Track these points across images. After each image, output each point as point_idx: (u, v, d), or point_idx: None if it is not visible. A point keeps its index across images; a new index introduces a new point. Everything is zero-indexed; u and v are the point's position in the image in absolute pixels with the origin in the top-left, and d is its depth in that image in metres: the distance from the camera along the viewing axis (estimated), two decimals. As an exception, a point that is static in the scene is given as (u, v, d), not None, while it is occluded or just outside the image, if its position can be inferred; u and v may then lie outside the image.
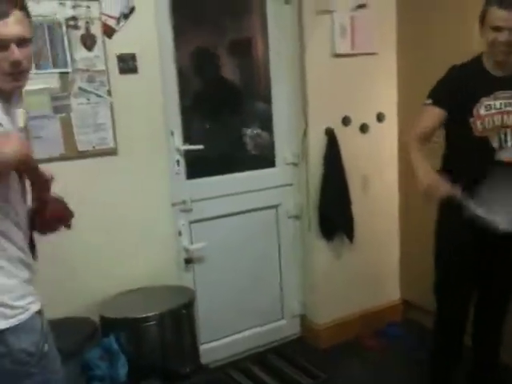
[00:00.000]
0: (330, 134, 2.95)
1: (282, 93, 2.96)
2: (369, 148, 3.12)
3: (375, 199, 3.20)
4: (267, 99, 2.98)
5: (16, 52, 1.33)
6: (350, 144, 3.01)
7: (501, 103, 2.07)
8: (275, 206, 3.05)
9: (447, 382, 2.40)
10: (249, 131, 3.09)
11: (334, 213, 2.99)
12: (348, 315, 3.19)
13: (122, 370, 2.14)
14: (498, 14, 1.92)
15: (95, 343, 2.18)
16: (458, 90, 2.11)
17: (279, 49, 2.91)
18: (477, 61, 2.13)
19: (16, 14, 1.33)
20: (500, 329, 2.39)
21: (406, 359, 2.93)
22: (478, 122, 2.07)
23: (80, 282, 2.35)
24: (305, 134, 2.96)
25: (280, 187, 3.04)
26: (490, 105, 2.07)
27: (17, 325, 1.36)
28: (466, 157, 2.15)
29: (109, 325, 2.25)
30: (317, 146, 2.96)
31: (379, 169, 3.19)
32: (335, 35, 2.87)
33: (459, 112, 2.09)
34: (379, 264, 3.29)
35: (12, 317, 1.35)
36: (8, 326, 1.34)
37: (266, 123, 3.01)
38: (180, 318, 2.33)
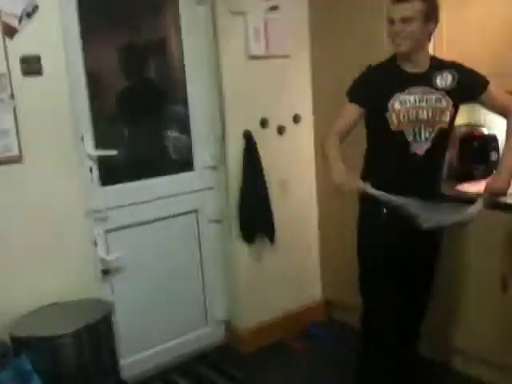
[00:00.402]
0: (248, 137, 2.94)
1: (199, 95, 2.91)
2: (286, 150, 3.14)
3: (294, 200, 3.22)
4: (184, 101, 2.92)
5: None
6: (268, 146, 3.02)
7: (415, 98, 2.15)
8: (195, 211, 2.99)
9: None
10: (166, 134, 3.02)
11: (255, 215, 2.98)
12: (272, 318, 3.19)
13: (36, 391, 2.00)
14: (391, 8, 2.11)
15: (6, 365, 2.01)
16: (374, 87, 2.19)
17: (194, 50, 2.86)
18: (392, 60, 2.22)
19: None
20: (420, 324, 2.45)
21: (330, 359, 2.96)
22: (394, 116, 2.15)
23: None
24: (223, 136, 2.93)
25: (199, 191, 2.99)
26: (404, 100, 2.15)
27: None
28: (383, 150, 2.25)
29: (20, 344, 2.09)
30: (235, 148, 2.94)
31: (297, 170, 3.23)
32: (249, 37, 2.86)
33: (376, 107, 2.17)
34: (300, 265, 3.32)
35: None
36: None
37: (184, 126, 2.95)
38: (98, 333, 2.21)
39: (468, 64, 2.23)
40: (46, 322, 2.23)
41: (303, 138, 3.23)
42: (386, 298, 2.27)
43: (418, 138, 2.17)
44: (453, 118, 2.20)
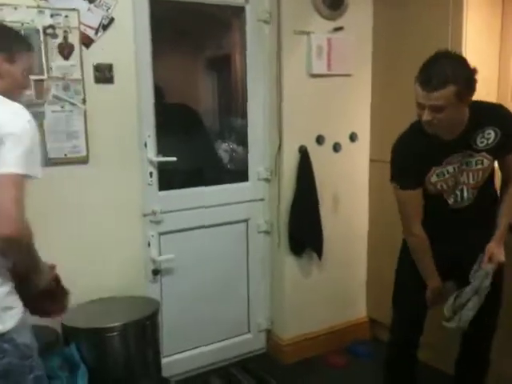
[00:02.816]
0: (304, 152, 2.99)
1: (258, 109, 3.00)
2: (341, 167, 3.17)
3: (345, 218, 3.24)
4: (244, 115, 3.02)
5: None
6: (322, 162, 3.05)
7: (454, 167, 2.04)
8: (246, 221, 3.07)
9: None
10: (224, 145, 3.12)
11: (304, 230, 3.02)
12: (314, 332, 3.21)
13: (82, 380, 2.13)
14: (420, 92, 1.89)
15: (56, 352, 2.16)
16: (413, 167, 2.06)
17: (257, 66, 2.95)
18: (421, 128, 2.00)
19: None
20: (487, 354, 2.32)
21: (370, 377, 2.95)
22: (431, 187, 2.08)
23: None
24: (279, 150, 2.99)
25: (251, 202, 3.06)
26: (441, 172, 2.05)
27: (18, 323, 1.50)
28: (429, 206, 2.16)
29: (70, 334, 2.24)
30: (290, 163, 2.99)
31: (350, 188, 3.24)
32: (312, 56, 2.92)
33: (417, 182, 2.09)
34: (347, 281, 3.32)
35: (15, 316, 1.50)
36: (13, 324, 1.48)
37: (242, 138, 3.04)
38: (143, 330, 2.33)
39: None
40: (96, 314, 2.36)
41: (359, 156, 3.24)
42: (413, 308, 2.26)
43: (459, 200, 2.10)
44: (493, 168, 2.09)
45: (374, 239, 3.34)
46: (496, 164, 2.13)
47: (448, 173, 2.05)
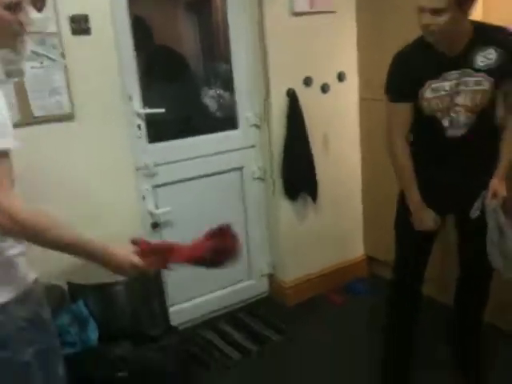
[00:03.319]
0: (292, 95, 2.94)
1: (242, 53, 2.93)
2: (330, 108, 3.13)
3: (337, 159, 3.23)
4: (227, 59, 2.95)
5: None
6: (311, 105, 3.01)
7: (450, 85, 1.99)
8: (239, 169, 3.05)
9: (403, 329, 2.41)
10: (211, 92, 3.06)
11: (298, 174, 3.02)
12: (314, 273, 3.26)
13: (93, 334, 2.16)
14: None
15: (64, 309, 2.17)
16: (408, 77, 2.04)
17: (237, 7, 2.86)
18: (424, 42, 1.99)
19: None
20: (487, 287, 2.34)
21: (370, 312, 3.02)
22: (425, 104, 2.04)
23: (44, 249, 2.32)
24: (266, 95, 2.94)
25: (243, 149, 3.04)
26: (437, 87, 2.00)
27: (18, 295, 1.40)
28: (422, 131, 2.15)
29: (77, 291, 2.25)
30: (279, 107, 2.95)
31: (341, 129, 3.22)
32: (293, -8, 2.84)
33: (410, 96, 2.06)
34: (343, 221, 3.35)
35: (14, 288, 1.40)
36: (11, 296, 1.38)
37: (228, 84, 2.99)
38: (148, 282, 2.34)
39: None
40: (100, 270, 2.36)
41: (348, 96, 3.20)
42: (415, 243, 2.25)
43: (455, 124, 2.04)
44: (494, 97, 2.03)
45: (367, 178, 3.35)
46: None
47: (444, 89, 2.01)
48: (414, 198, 2.15)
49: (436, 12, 1.84)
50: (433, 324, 2.72)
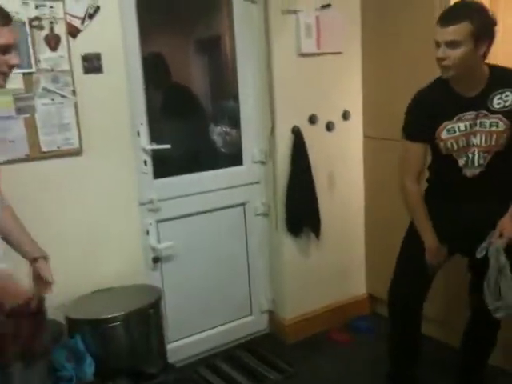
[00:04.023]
0: (297, 133, 2.98)
1: (249, 91, 2.98)
2: (335, 146, 3.17)
3: (341, 196, 3.25)
4: (235, 97, 3.00)
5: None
6: (316, 142, 3.05)
7: (465, 125, 2.04)
8: (243, 204, 3.07)
9: (404, 366, 2.43)
10: (217, 129, 3.11)
11: (301, 210, 3.04)
12: (315, 310, 3.25)
13: (89, 370, 2.15)
14: (437, 30, 1.95)
15: (61, 344, 2.17)
16: (426, 117, 2.09)
17: (246, 48, 2.92)
18: (442, 81, 2.05)
19: None
20: (496, 328, 2.34)
21: (372, 351, 3.00)
22: (442, 144, 2.09)
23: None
24: (272, 132, 2.98)
25: (247, 185, 3.07)
26: (453, 128, 2.05)
27: None
28: (439, 168, 2.21)
29: (74, 325, 2.25)
30: (284, 144, 2.99)
31: (345, 166, 3.25)
32: (301, 35, 2.89)
33: (427, 135, 2.11)
34: (346, 259, 3.35)
35: None
36: None
37: (235, 121, 3.03)
38: (147, 318, 2.34)
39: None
40: (99, 305, 2.37)
41: (352, 134, 3.24)
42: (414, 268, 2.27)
43: (470, 164, 2.08)
44: (510, 139, 2.05)
45: (370, 216, 3.36)
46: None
47: (459, 130, 2.05)
48: (429, 236, 2.17)
49: (451, 45, 1.90)
50: (434, 365, 2.70)
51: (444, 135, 2.06)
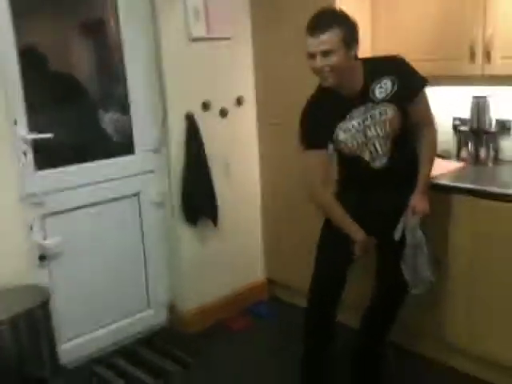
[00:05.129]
0: (190, 119, 2.92)
1: (138, 76, 2.86)
2: (229, 132, 3.15)
3: (237, 182, 3.25)
4: (123, 82, 2.86)
5: None
6: (210, 129, 3.01)
7: (358, 121, 2.10)
8: (136, 194, 2.96)
9: (317, 358, 2.42)
10: (107, 116, 2.95)
11: (198, 198, 2.99)
12: (214, 299, 3.22)
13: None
14: (309, 41, 1.99)
15: None
16: (319, 124, 2.13)
17: (132, 31, 2.79)
18: (326, 88, 2.09)
19: None
20: (399, 305, 2.40)
21: (272, 335, 3.04)
22: (342, 145, 2.13)
23: None
24: (164, 119, 2.90)
25: (140, 174, 2.96)
26: (347, 127, 2.11)
27: None
28: (347, 172, 2.26)
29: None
30: (177, 131, 2.92)
31: (240, 152, 3.24)
32: (189, 19, 2.83)
33: (325, 141, 2.14)
34: (243, 246, 3.36)
35: None
36: None
37: (124, 108, 2.90)
38: (35, 320, 2.21)
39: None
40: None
41: (246, 120, 3.24)
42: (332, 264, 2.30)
43: (375, 155, 2.14)
44: (404, 120, 2.13)
45: (267, 201, 3.38)
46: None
47: (353, 127, 2.10)
48: (355, 230, 2.19)
49: (326, 54, 1.96)
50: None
51: (341, 136, 2.12)
